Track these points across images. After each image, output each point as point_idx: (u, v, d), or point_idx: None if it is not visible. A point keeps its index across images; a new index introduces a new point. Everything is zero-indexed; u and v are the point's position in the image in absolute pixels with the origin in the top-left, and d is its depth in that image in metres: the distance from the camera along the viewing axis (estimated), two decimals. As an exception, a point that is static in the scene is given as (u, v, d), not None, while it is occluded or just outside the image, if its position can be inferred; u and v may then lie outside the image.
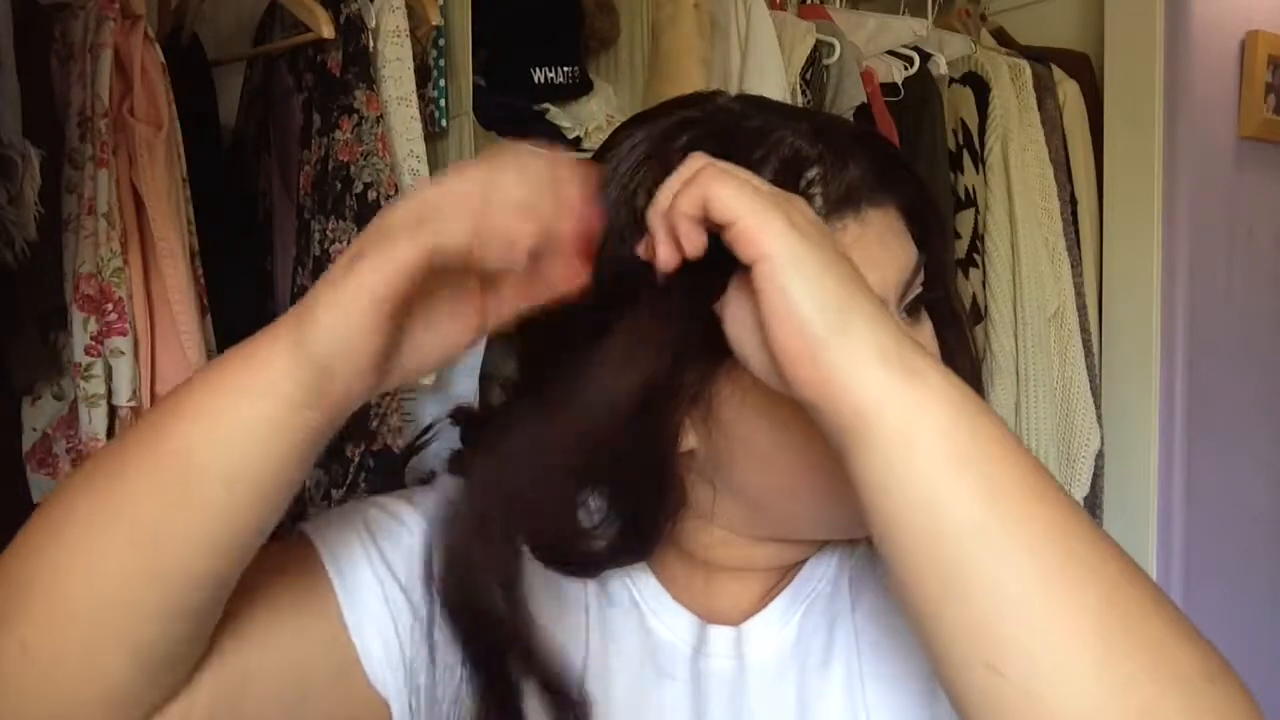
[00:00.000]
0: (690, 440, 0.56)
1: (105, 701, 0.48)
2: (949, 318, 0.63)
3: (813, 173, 0.54)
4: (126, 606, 0.47)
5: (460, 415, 0.66)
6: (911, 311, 0.58)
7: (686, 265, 0.49)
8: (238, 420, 0.46)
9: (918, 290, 0.58)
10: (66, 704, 0.48)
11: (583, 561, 0.59)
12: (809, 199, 0.53)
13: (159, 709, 0.50)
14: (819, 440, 0.49)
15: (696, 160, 0.48)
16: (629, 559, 0.61)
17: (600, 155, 0.58)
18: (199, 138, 1.26)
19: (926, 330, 0.59)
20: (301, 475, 0.49)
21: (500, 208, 0.44)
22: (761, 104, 0.58)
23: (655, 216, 0.49)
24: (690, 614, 0.62)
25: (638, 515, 0.58)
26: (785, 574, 0.64)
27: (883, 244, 0.55)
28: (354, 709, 0.57)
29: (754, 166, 0.52)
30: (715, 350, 0.51)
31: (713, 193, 0.46)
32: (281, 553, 0.57)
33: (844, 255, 0.48)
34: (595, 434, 0.51)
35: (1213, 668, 0.43)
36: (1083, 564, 0.44)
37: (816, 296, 0.45)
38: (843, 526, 0.59)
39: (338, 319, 0.44)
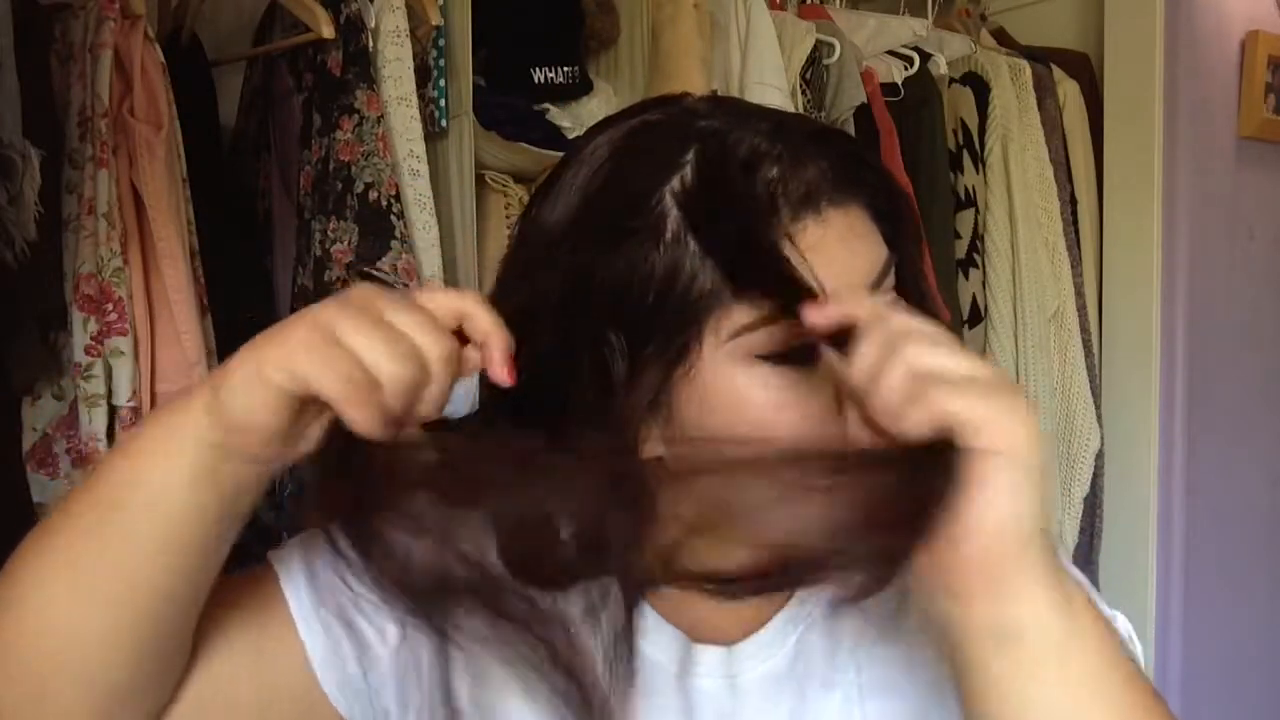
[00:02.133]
0: (656, 448, 0.54)
1: None
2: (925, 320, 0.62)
3: (771, 172, 0.53)
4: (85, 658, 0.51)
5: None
6: None
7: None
8: (162, 478, 0.49)
9: (889, 292, 0.56)
10: None
11: (552, 574, 0.55)
12: (770, 198, 0.53)
13: None
14: (780, 437, 0.49)
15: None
16: (597, 570, 0.56)
17: (566, 159, 0.57)
18: (199, 138, 1.26)
19: None
20: (236, 527, 0.52)
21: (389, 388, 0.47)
22: (726, 105, 0.57)
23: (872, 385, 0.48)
24: (677, 631, 0.61)
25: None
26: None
27: (844, 244, 0.54)
28: None
29: (710, 167, 0.52)
30: (670, 357, 0.52)
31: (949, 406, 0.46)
32: (246, 586, 0.59)
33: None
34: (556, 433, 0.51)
35: None
36: None
37: (1034, 503, 0.46)
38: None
39: (247, 397, 0.48)
